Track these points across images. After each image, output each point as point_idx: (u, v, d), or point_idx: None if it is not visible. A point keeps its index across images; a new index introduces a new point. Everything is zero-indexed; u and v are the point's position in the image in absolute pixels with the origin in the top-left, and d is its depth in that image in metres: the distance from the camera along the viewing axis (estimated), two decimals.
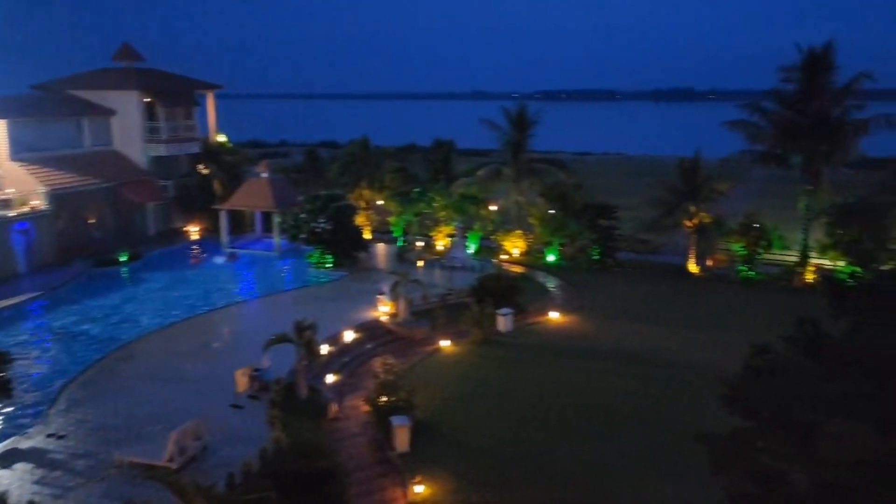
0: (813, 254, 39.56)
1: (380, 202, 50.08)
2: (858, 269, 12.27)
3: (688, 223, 41.69)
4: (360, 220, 46.08)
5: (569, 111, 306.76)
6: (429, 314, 32.52)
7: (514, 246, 44.92)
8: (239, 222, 48.33)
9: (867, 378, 12.14)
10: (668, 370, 27.04)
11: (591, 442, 21.66)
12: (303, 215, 42.41)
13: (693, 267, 41.71)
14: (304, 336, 24.61)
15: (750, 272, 40.14)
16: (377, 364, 25.27)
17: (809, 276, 38.80)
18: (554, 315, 33.75)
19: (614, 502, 18.57)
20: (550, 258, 43.86)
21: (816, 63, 40.12)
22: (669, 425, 22.35)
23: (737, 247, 40.75)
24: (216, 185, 49.19)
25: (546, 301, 36.21)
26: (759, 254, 40.38)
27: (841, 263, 35.47)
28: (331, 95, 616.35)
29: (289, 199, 45.68)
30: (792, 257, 41.05)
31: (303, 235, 42.31)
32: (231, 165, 51.80)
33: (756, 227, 40.36)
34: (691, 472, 18.86)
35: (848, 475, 10.92)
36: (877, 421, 11.19)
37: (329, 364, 27.11)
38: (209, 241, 46.80)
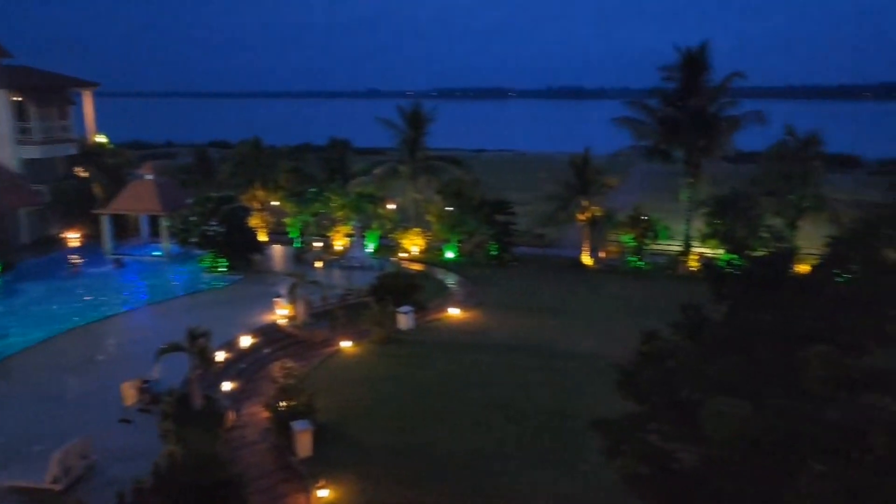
0: (695, 243, 41.78)
1: (275, 203, 48.85)
2: (734, 256, 13.06)
3: (581, 217, 43.06)
4: (254, 221, 44.79)
5: (464, 109, 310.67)
6: (328, 315, 32.00)
7: (413, 244, 44.94)
8: (123, 227, 45.86)
9: (744, 358, 12.90)
10: (566, 361, 27.78)
11: (492, 434, 21.94)
12: (193, 218, 40.75)
13: (587, 259, 43.11)
14: (198, 344, 23.62)
15: (639, 262, 41.89)
16: (276, 368, 24.62)
17: (693, 265, 40.93)
18: (454, 311, 33.99)
19: (514, 492, 18.87)
20: (449, 255, 44.17)
21: (693, 63, 42.44)
22: (568, 414, 22.95)
23: (627, 238, 42.43)
24: (96, 189, 46.44)
25: (446, 297, 36.42)
26: (647, 245, 42.22)
27: (720, 251, 37.68)
28: (220, 94, 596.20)
29: (177, 202, 43.76)
30: (677, 247, 43.19)
31: (194, 239, 40.64)
32: (112, 167, 49.00)
33: (644, 219, 42.15)
34: (589, 458, 19.44)
35: (729, 450, 11.54)
36: (752, 397, 11.90)
37: (225, 371, 26.16)
38: (91, 249, 44.13)
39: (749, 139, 45.93)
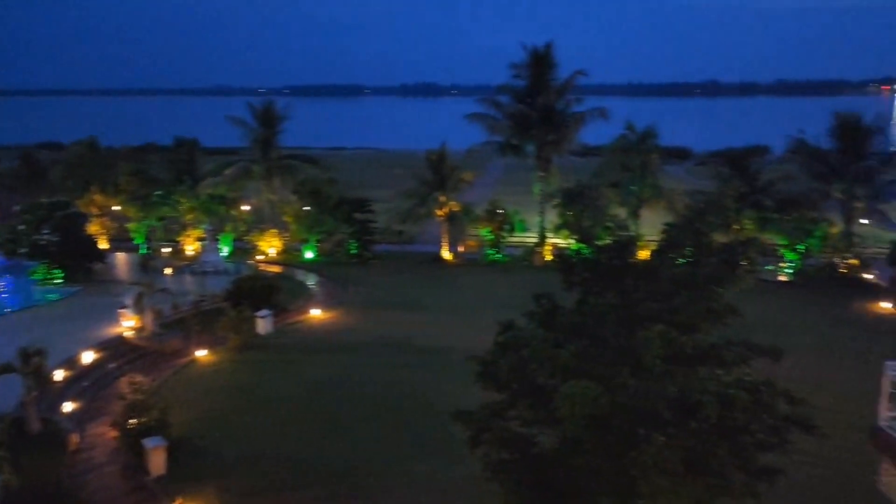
0: (549, 234, 43.59)
1: (116, 208, 45.75)
2: (582, 245, 13.81)
3: (439, 212, 43.67)
4: (93, 228, 41.78)
5: (319, 106, 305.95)
6: (181, 324, 30.42)
7: (270, 245, 43.71)
8: None
9: (592, 342, 13.58)
10: (429, 355, 28.06)
11: (358, 433, 21.76)
12: (22, 227, 37.33)
13: (446, 254, 43.80)
14: (31, 364, 21.65)
15: (497, 255, 43.13)
16: (123, 384, 23.03)
17: (547, 255, 42.70)
18: (316, 312, 33.40)
19: (386, 488, 18.83)
20: (308, 255, 43.37)
21: (540, 61, 44.20)
22: (435, 408, 23.16)
23: (484, 232, 43.54)
24: None
25: (307, 299, 35.72)
26: (504, 237, 43.54)
27: (571, 241, 39.57)
28: (49, 91, 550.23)
29: (1, 210, 39.89)
30: (532, 238, 44.87)
31: (24, 250, 37.24)
32: None
33: (500, 212, 43.43)
34: (456, 449, 19.73)
35: (582, 429, 12.11)
36: (602, 378, 12.55)
37: (66, 391, 24.18)
38: None
39: (594, 134, 48.54)
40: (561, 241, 42.37)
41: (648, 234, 36.46)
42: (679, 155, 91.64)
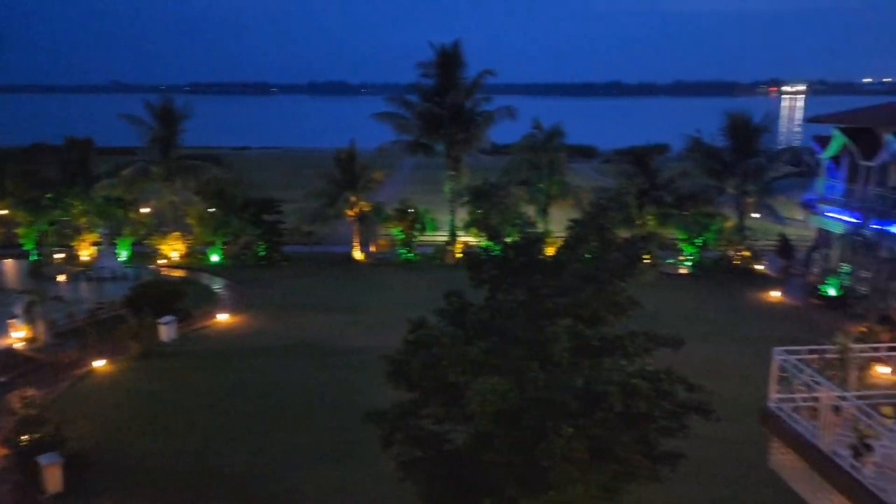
0: (460, 232, 43.90)
1: (3, 212, 42.90)
2: (490, 242, 13.91)
3: (349, 212, 43.22)
4: None
5: (224, 105, 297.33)
6: (77, 333, 28.84)
7: (173, 249, 42.10)
8: None
9: (502, 338, 13.75)
10: (341, 356, 27.74)
11: (266, 440, 21.25)
12: None
13: (358, 254, 43.41)
14: None
15: (409, 254, 43.08)
16: (13, 399, 21.64)
17: (458, 253, 43.01)
18: (223, 317, 32.40)
19: (300, 493, 18.47)
20: (214, 258, 42.04)
21: (448, 60, 44.42)
22: (349, 409, 22.88)
23: (396, 231, 43.40)
24: None
25: (213, 303, 34.62)
26: (416, 236, 43.53)
27: (482, 239, 39.96)
28: None
29: None
30: (443, 237, 45.06)
31: None
32: None
33: (411, 211, 43.38)
34: (365, 450, 19.57)
35: (493, 425, 12.25)
36: (511, 373, 12.74)
37: None
38: None
39: (504, 133, 49.21)
40: (472, 240, 42.76)
41: (557, 230, 37.39)
42: (586, 153, 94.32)
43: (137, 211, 42.95)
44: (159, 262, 41.16)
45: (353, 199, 42.98)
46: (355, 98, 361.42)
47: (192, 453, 20.50)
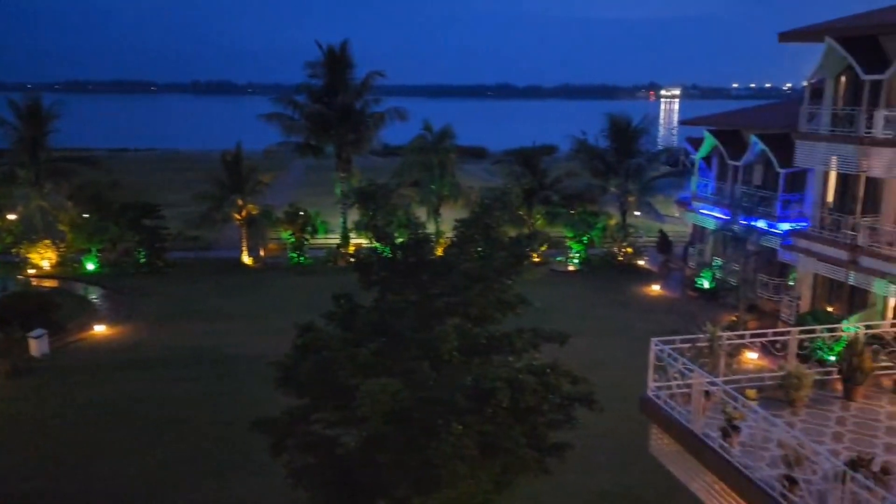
0: (352, 234, 43.49)
1: None
2: (379, 244, 13.86)
3: (237, 216, 41.92)
4: None
5: (101, 104, 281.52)
6: None
7: (44, 258, 39.40)
8: None
9: (392, 339, 13.73)
10: (230, 365, 26.85)
11: (147, 456, 20.27)
12: None
13: (247, 259, 42.17)
14: None
15: (300, 258, 42.26)
16: None
17: (357, 256, 42.52)
18: (100, 328, 30.64)
19: None
20: (90, 266, 39.66)
21: (336, 60, 43.93)
22: (235, 419, 22.17)
23: (286, 235, 42.46)
24: None
25: (89, 314, 32.68)
26: (307, 240, 42.76)
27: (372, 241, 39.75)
28: None
29: None
30: (335, 240, 44.50)
31: None
32: None
33: (301, 214, 42.56)
34: (255, 459, 19.04)
35: (384, 426, 12.20)
36: (402, 373, 12.74)
37: None
38: None
39: (396, 134, 49.16)
40: (364, 242, 42.48)
41: (449, 231, 37.75)
42: (477, 154, 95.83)
43: (3, 218, 39.90)
44: (28, 271, 38.43)
45: (240, 202, 41.69)
46: (241, 98, 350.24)
47: (71, 475, 19.24)
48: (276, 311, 33.21)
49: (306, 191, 59.84)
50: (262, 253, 42.80)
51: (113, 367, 26.82)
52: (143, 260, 39.89)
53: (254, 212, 42.09)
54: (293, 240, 42.27)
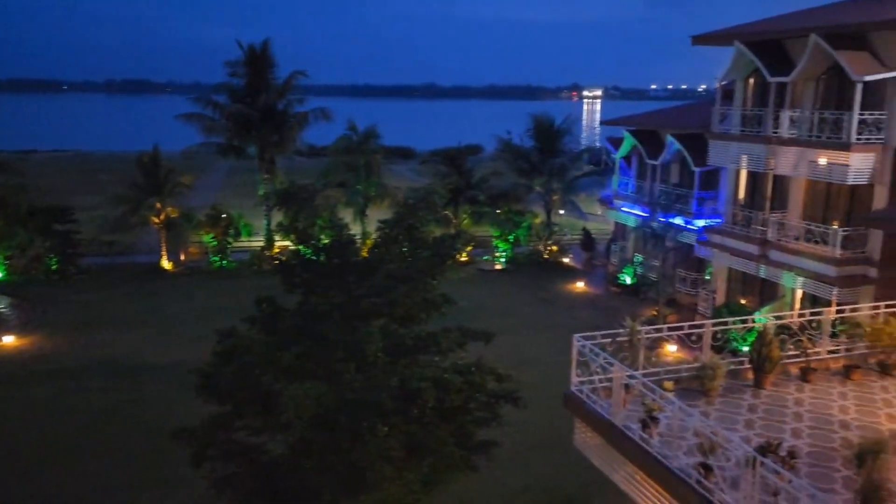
0: (277, 237, 42.68)
1: None
2: (302, 246, 13.66)
3: (155, 219, 40.52)
4: None
5: (7, 103, 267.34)
6: None
7: None
8: None
9: (316, 342, 13.52)
10: (148, 374, 25.94)
11: (59, 474, 19.31)
12: None
13: (167, 263, 40.82)
14: None
15: (223, 262, 41.18)
16: None
17: (280, 259, 41.72)
18: (8, 339, 29.08)
19: None
20: None
21: (257, 59, 43.03)
22: (154, 430, 21.38)
23: (207, 238, 41.31)
24: None
25: None
26: (230, 243, 41.69)
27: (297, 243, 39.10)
28: None
29: None
30: (260, 242, 43.57)
31: None
32: None
33: (224, 216, 41.48)
34: (174, 471, 18.43)
35: (309, 431, 12.01)
36: (328, 376, 12.57)
37: None
38: None
39: (322, 135, 48.53)
40: (290, 244, 41.77)
41: (376, 232, 37.50)
42: (404, 154, 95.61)
43: None
44: None
45: (158, 205, 40.31)
46: (160, 97, 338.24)
47: None
48: (197, 317, 32.27)
49: (229, 192, 58.40)
50: (182, 257, 41.50)
51: (23, 378, 25.49)
52: (54, 267, 38.06)
53: (173, 215, 40.77)
54: (215, 243, 41.16)
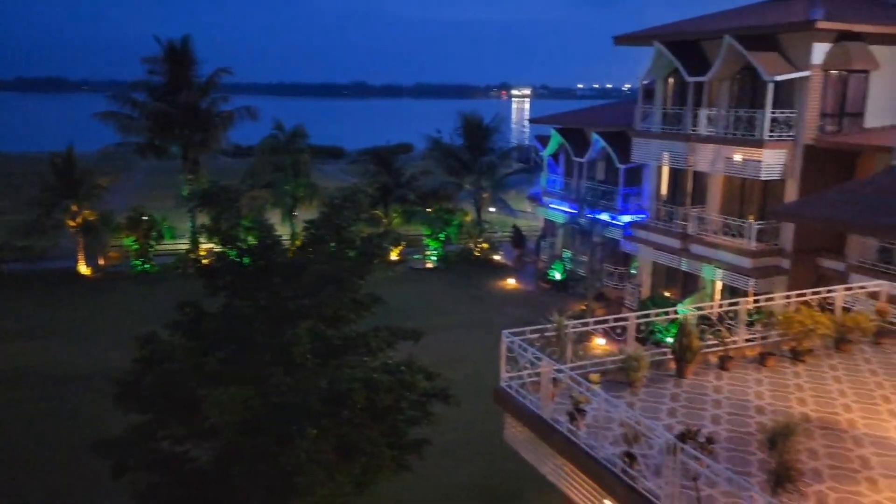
0: (202, 239, 41.48)
1: None
2: (225, 248, 13.29)
3: (71, 223, 38.80)
4: None
5: None
6: None
7: None
8: None
9: (242, 345, 13.20)
10: (66, 385, 24.82)
11: None
12: None
13: (84, 268, 39.16)
14: None
15: (145, 265, 39.81)
16: None
17: (202, 261, 40.59)
18: None
19: None
20: None
21: (178, 56, 41.74)
22: (72, 443, 20.48)
23: (129, 241, 39.85)
24: None
25: None
26: (152, 246, 40.34)
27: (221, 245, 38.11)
28: None
29: None
30: (184, 245, 42.30)
31: None
32: None
33: (145, 219, 40.09)
34: (98, 485, 17.69)
35: (236, 436, 11.71)
36: (255, 380, 12.27)
37: None
38: None
39: (248, 134, 47.43)
40: (215, 246, 40.68)
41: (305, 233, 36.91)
42: (334, 154, 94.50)
43: None
44: None
45: (74, 207, 38.61)
46: (75, 95, 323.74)
47: None
48: (117, 324, 31.05)
49: (152, 194, 56.52)
50: (101, 262, 39.90)
51: None
52: None
53: (91, 218, 39.12)
54: (137, 246, 39.73)
